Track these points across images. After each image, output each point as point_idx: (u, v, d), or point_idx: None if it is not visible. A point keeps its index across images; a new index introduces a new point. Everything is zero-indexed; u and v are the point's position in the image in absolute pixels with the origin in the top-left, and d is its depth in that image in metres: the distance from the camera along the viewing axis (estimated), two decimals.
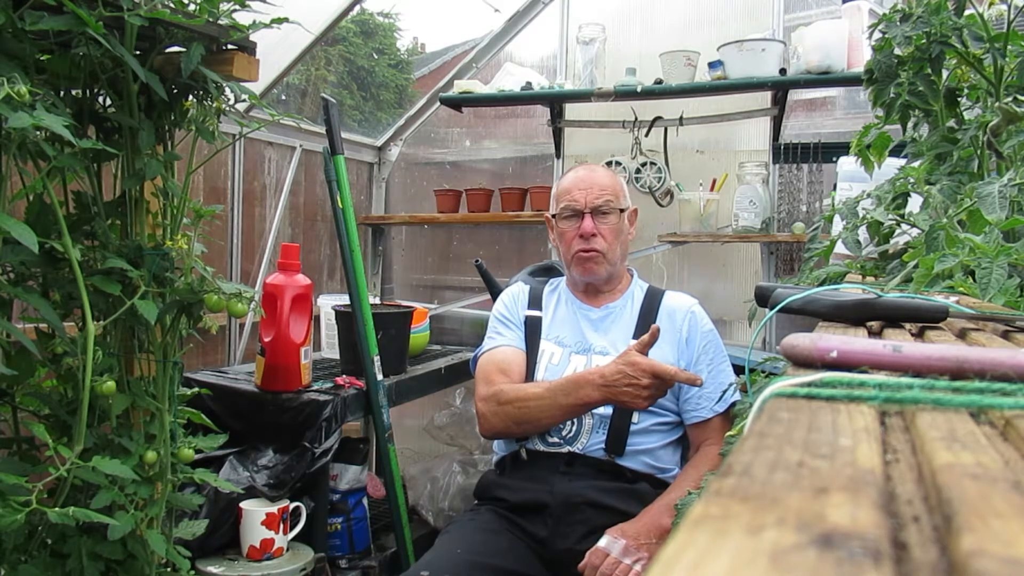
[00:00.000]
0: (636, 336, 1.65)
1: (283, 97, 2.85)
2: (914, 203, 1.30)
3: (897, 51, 1.36)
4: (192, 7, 1.14)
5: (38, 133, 0.98)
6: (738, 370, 1.74)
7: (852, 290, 0.73)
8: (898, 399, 0.35)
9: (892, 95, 1.35)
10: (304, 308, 1.85)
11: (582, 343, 1.72)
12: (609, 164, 2.64)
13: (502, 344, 1.75)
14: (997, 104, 1.13)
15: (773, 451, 0.27)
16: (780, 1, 2.52)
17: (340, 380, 1.97)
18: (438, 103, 2.90)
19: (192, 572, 1.27)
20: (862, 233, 1.28)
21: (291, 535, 1.78)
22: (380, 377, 1.99)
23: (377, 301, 2.70)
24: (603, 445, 1.60)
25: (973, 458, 0.27)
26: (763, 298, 0.77)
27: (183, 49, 1.13)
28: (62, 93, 1.15)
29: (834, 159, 2.19)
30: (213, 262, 1.80)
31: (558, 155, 2.87)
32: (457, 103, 2.77)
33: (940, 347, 0.42)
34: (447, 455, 2.85)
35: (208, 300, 1.15)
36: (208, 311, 1.19)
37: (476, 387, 1.72)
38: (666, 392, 1.54)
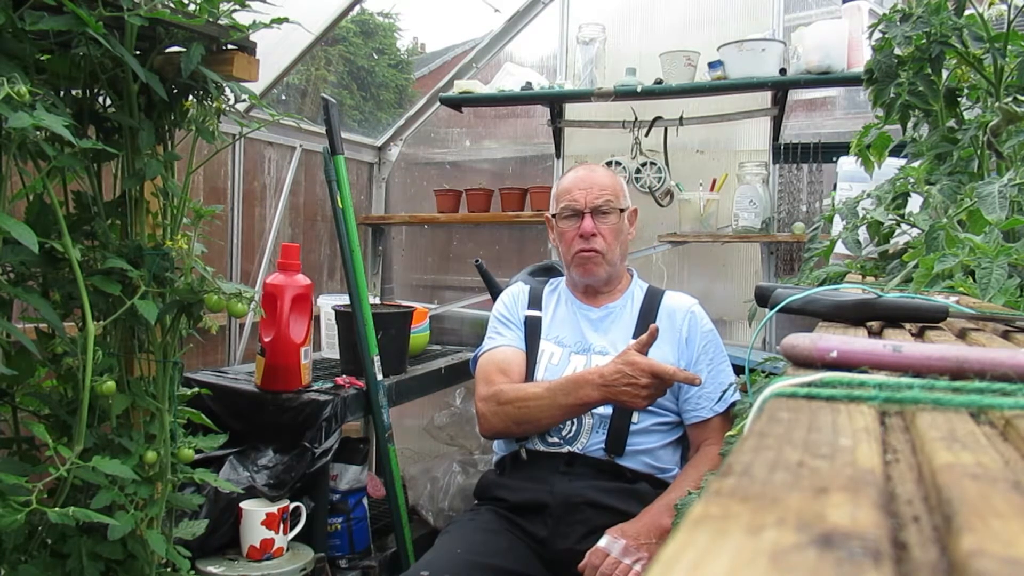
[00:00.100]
0: (636, 336, 1.65)
1: (283, 97, 2.85)
2: (914, 203, 1.30)
3: (897, 51, 1.36)
4: (192, 7, 1.14)
5: (38, 133, 0.98)
6: (738, 370, 1.74)
7: (852, 290, 0.73)
8: (898, 399, 0.35)
9: (892, 95, 1.35)
10: (304, 308, 1.85)
11: (582, 343, 1.72)
12: (609, 164, 2.64)
13: (502, 344, 1.75)
14: (997, 104, 1.13)
15: (773, 451, 0.27)
16: (780, 1, 2.52)
17: (340, 380, 1.97)
18: (438, 103, 2.90)
19: (192, 572, 1.27)
20: (862, 233, 1.28)
21: (291, 535, 1.78)
22: (380, 377, 1.99)
23: (377, 301, 2.70)
24: (603, 445, 1.60)
25: (973, 458, 0.27)
26: (763, 298, 0.77)
27: (183, 49, 1.13)
28: (62, 93, 1.15)
29: (834, 159, 2.19)
30: (213, 262, 1.80)
31: (558, 155, 2.87)
32: (457, 103, 2.77)
33: (940, 347, 0.42)
34: (447, 455, 2.85)
35: (208, 300, 1.15)
36: (208, 311, 1.19)
37: (476, 387, 1.72)
38: (665, 392, 1.54)
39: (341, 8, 2.50)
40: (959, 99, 1.37)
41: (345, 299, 2.14)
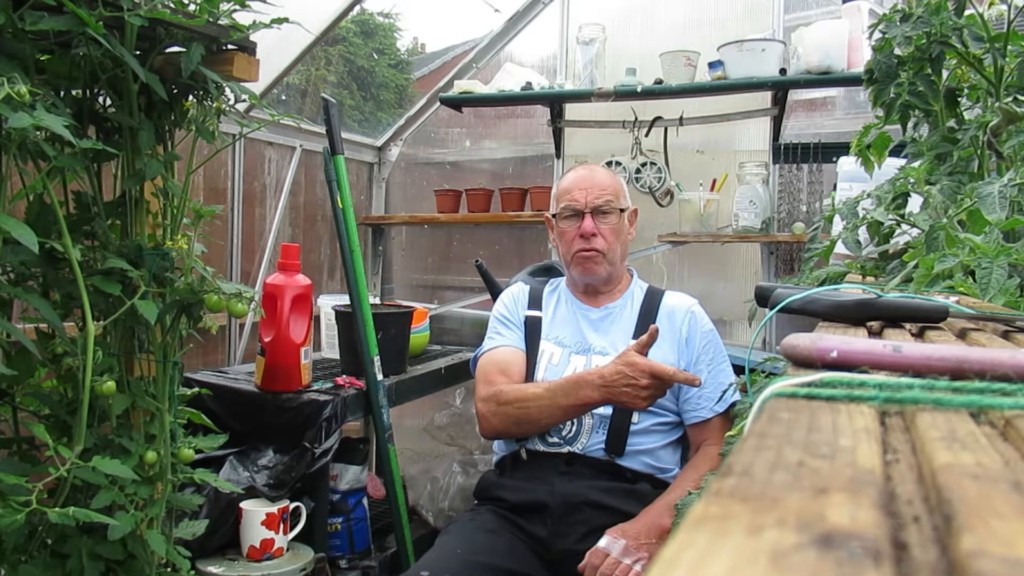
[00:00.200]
0: (636, 336, 1.65)
1: (283, 97, 2.85)
2: (914, 203, 1.30)
3: (897, 51, 1.36)
4: (192, 7, 1.14)
5: (38, 133, 0.98)
6: (738, 370, 1.74)
7: (852, 290, 0.73)
8: (898, 399, 0.35)
9: (892, 95, 1.35)
10: (304, 308, 1.85)
11: (582, 343, 1.72)
12: (609, 164, 2.64)
13: (502, 344, 1.75)
14: (997, 104, 1.13)
15: (773, 451, 0.27)
16: (780, 1, 2.52)
17: (340, 380, 1.97)
18: (438, 103, 2.90)
19: (192, 572, 1.27)
20: (862, 233, 1.28)
21: (291, 535, 1.78)
22: (380, 377, 1.99)
23: (377, 301, 2.70)
24: (603, 445, 1.60)
25: (973, 458, 0.27)
26: (763, 298, 0.77)
27: (183, 49, 1.13)
28: (62, 93, 1.15)
29: (834, 159, 2.19)
30: (213, 262, 1.80)
31: (558, 155, 2.87)
32: (457, 103, 2.77)
33: (940, 347, 0.42)
34: (447, 455, 2.85)
35: (208, 300, 1.15)
36: (208, 311, 1.19)
37: (476, 387, 1.72)
38: (665, 392, 1.54)
39: (341, 8, 2.50)
40: (959, 99, 1.37)
41: (345, 299, 2.14)
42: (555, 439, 1.64)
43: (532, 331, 1.76)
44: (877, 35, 1.37)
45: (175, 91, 1.20)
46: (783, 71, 2.34)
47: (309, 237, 2.83)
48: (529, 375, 1.70)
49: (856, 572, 0.18)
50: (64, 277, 1.12)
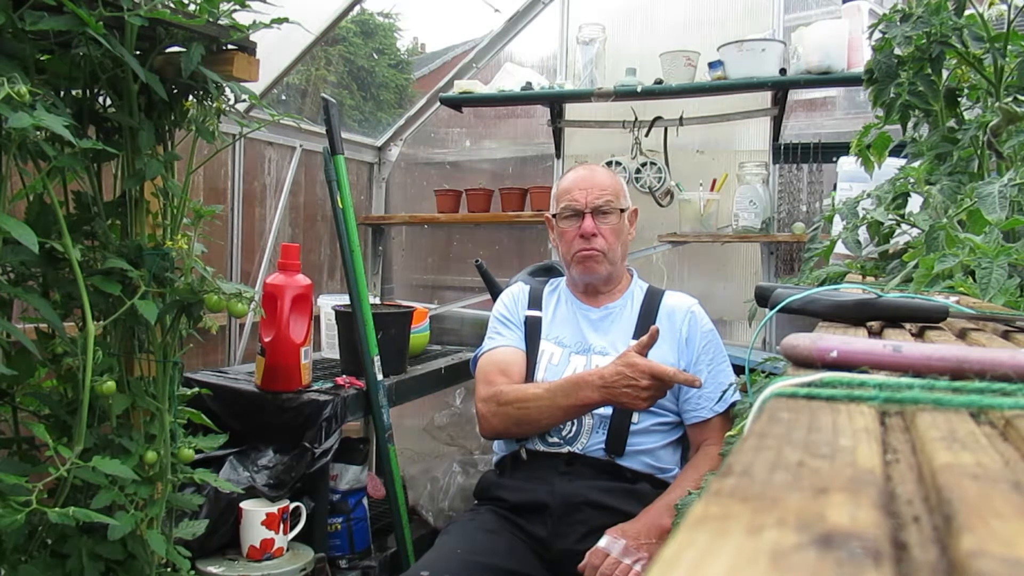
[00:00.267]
0: (636, 336, 1.65)
1: (283, 97, 2.85)
2: (914, 203, 1.30)
3: (897, 51, 1.36)
4: (192, 7, 1.14)
5: (38, 133, 0.98)
6: (738, 370, 1.74)
7: (852, 290, 0.73)
8: (898, 399, 0.35)
9: (892, 95, 1.35)
10: (304, 308, 1.85)
11: (582, 343, 1.72)
12: (609, 164, 2.64)
13: (502, 344, 1.75)
14: (997, 104, 1.13)
15: (773, 451, 0.27)
16: (780, 1, 2.52)
17: (340, 380, 1.97)
18: (438, 103, 2.90)
19: (192, 572, 1.27)
20: (862, 233, 1.28)
21: (291, 535, 1.78)
22: (380, 377, 1.99)
23: (377, 301, 2.70)
24: (603, 445, 1.60)
25: (973, 458, 0.27)
26: (763, 298, 0.77)
27: (183, 49, 1.13)
28: (62, 93, 1.15)
29: (834, 159, 2.19)
30: (213, 262, 1.80)
31: (558, 155, 2.87)
32: (457, 103, 2.77)
33: (940, 347, 0.42)
34: (447, 455, 2.85)
35: (208, 300, 1.15)
36: (208, 311, 1.19)
37: (476, 388, 1.72)
38: (665, 393, 1.54)
39: (341, 8, 2.50)
40: (959, 99, 1.37)
41: (345, 299, 2.14)
42: (555, 439, 1.64)
43: (532, 331, 1.76)
44: (877, 35, 1.37)
45: (175, 91, 1.20)
46: (783, 71, 2.34)
47: (309, 237, 2.83)
48: (529, 375, 1.70)
49: (856, 572, 0.18)
50: (64, 277, 1.12)
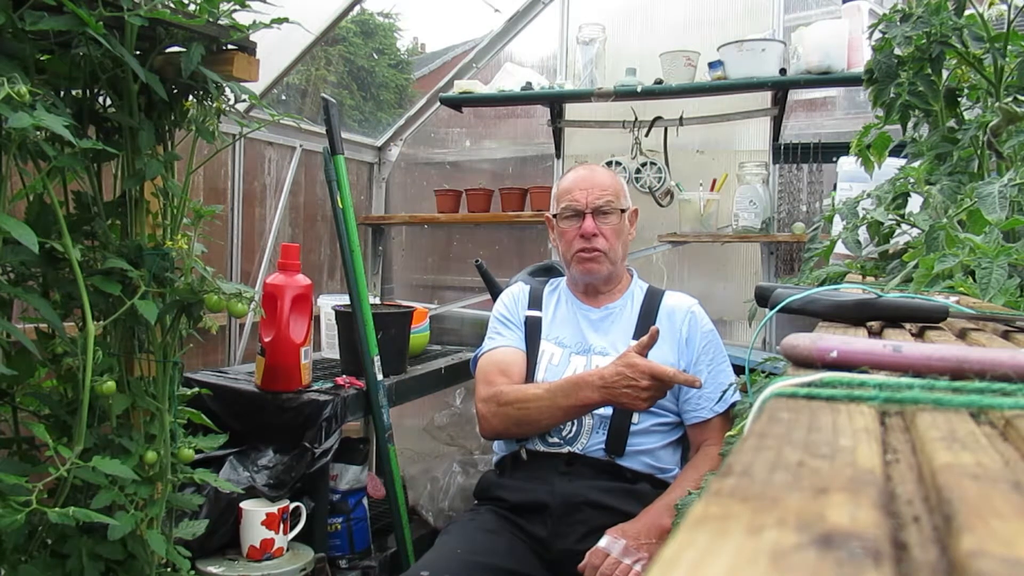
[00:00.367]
0: (636, 336, 1.65)
1: (283, 97, 2.85)
2: (914, 203, 1.30)
3: (897, 51, 1.36)
4: (192, 7, 1.14)
5: (38, 133, 0.98)
6: (738, 370, 1.74)
7: (852, 290, 0.73)
8: (898, 399, 0.35)
9: (892, 95, 1.35)
10: (304, 308, 1.85)
11: (582, 343, 1.72)
12: (609, 164, 2.64)
13: (502, 345, 1.75)
14: (997, 104, 1.13)
15: (773, 451, 0.27)
16: (780, 1, 2.52)
17: (340, 380, 1.97)
18: (438, 103, 2.90)
19: (192, 572, 1.27)
20: (862, 233, 1.28)
21: (291, 535, 1.78)
22: (380, 377, 1.99)
23: (377, 301, 2.70)
24: (603, 445, 1.60)
25: (973, 458, 0.27)
26: (763, 298, 0.77)
27: (183, 49, 1.13)
28: (62, 93, 1.15)
29: (834, 159, 2.19)
30: (213, 262, 1.80)
31: (558, 155, 2.87)
32: (457, 103, 2.77)
33: (940, 347, 0.42)
34: (447, 455, 2.85)
35: (208, 300, 1.15)
36: (208, 311, 1.19)
37: (476, 388, 1.72)
38: (665, 394, 1.53)
39: (341, 8, 2.50)
40: (959, 99, 1.37)
41: (345, 299, 2.14)
42: (555, 439, 1.63)
43: (532, 331, 1.76)
44: (877, 35, 1.37)
45: (175, 91, 1.20)
46: (783, 71, 2.34)
47: (309, 237, 2.83)
48: (529, 375, 1.70)
49: (856, 572, 0.18)
50: (64, 277, 1.12)
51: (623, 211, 1.74)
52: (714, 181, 2.58)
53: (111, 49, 1.03)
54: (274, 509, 1.72)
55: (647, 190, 2.62)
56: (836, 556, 0.18)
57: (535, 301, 1.82)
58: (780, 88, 2.40)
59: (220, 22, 1.17)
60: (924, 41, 1.29)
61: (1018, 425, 0.31)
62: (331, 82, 3.22)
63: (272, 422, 1.80)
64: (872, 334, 0.60)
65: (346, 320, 2.05)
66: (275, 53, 2.37)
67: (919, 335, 0.61)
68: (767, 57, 2.34)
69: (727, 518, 0.21)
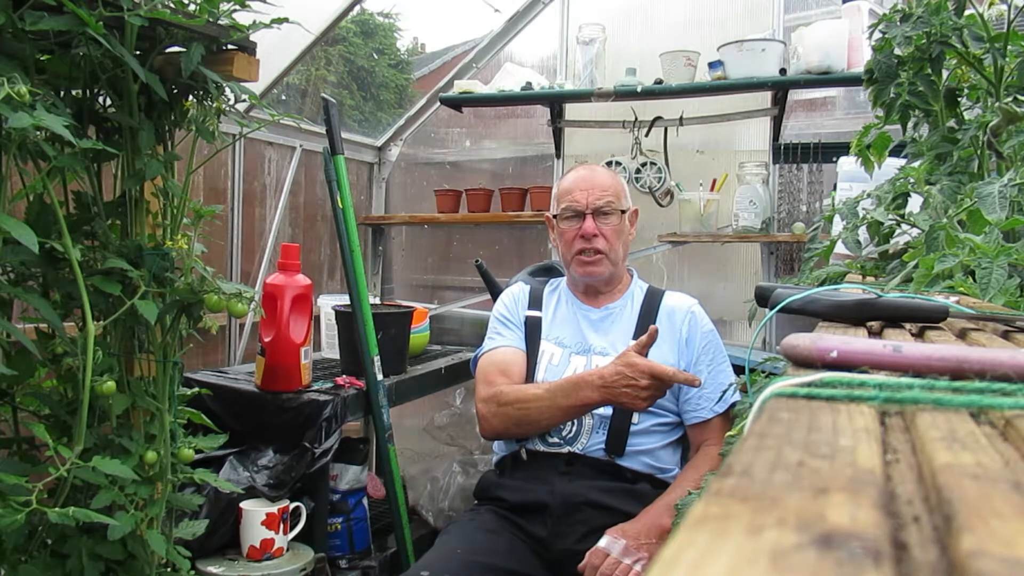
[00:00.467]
0: (636, 336, 1.65)
1: (283, 97, 2.85)
2: (914, 203, 1.30)
3: (897, 51, 1.36)
4: (192, 7, 1.14)
5: (38, 133, 0.98)
6: (738, 370, 1.74)
7: (852, 290, 0.73)
8: (898, 399, 0.35)
9: (892, 95, 1.35)
10: (304, 308, 1.85)
11: (582, 343, 1.72)
12: (609, 164, 2.64)
13: (502, 345, 1.75)
14: (997, 104, 1.13)
15: (773, 451, 0.27)
16: (780, 1, 2.52)
17: (340, 380, 1.97)
18: (438, 103, 2.90)
19: (192, 572, 1.27)
20: (862, 233, 1.28)
21: (291, 535, 1.78)
22: (380, 377, 1.99)
23: (377, 301, 2.70)
24: (603, 445, 1.60)
25: (973, 458, 0.27)
26: (763, 298, 0.77)
27: (183, 49, 1.13)
28: (62, 93, 1.15)
29: (834, 159, 2.19)
30: (213, 262, 1.80)
31: (558, 155, 2.87)
32: (457, 103, 2.77)
33: (940, 347, 0.42)
34: (447, 455, 2.85)
35: (208, 300, 1.15)
36: (208, 311, 1.19)
37: (476, 388, 1.72)
38: (665, 393, 1.54)
39: (341, 8, 2.50)
40: (959, 99, 1.37)
41: (345, 299, 2.14)
42: (555, 439, 1.64)
43: (532, 331, 1.76)
44: (877, 35, 1.37)
45: (175, 91, 1.20)
46: (783, 71, 2.34)
47: (309, 237, 2.83)
48: (529, 375, 1.70)
49: (856, 572, 0.18)
50: (64, 277, 1.12)
51: (623, 212, 1.74)
52: (714, 181, 2.58)
53: (111, 49, 1.03)
54: (274, 509, 1.72)
55: (647, 190, 2.62)
56: (836, 556, 0.18)
57: (535, 301, 1.82)
58: (780, 88, 2.40)
59: (220, 22, 1.17)
60: (924, 41, 1.29)
61: (1018, 425, 0.31)
62: (331, 82, 3.22)
63: (272, 422, 1.80)
64: (872, 334, 0.60)
65: (346, 320, 2.05)
66: (275, 53, 2.37)
67: (919, 335, 0.61)
68: (767, 57, 2.34)
69: (727, 518, 0.21)
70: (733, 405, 1.57)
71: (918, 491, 0.25)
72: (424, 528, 2.46)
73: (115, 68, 1.11)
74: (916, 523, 0.22)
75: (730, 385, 1.61)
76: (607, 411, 1.60)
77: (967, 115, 1.36)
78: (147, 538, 1.14)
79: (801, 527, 0.20)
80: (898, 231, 1.27)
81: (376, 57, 3.84)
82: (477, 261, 2.35)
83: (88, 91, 1.17)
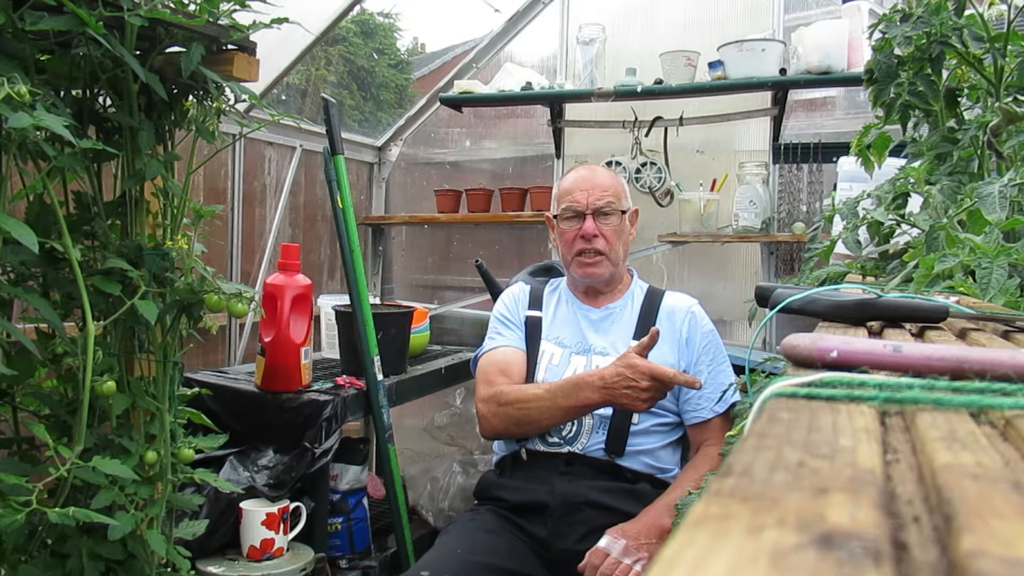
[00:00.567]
0: (636, 336, 1.65)
1: (283, 97, 2.85)
2: (914, 203, 1.30)
3: (897, 51, 1.36)
4: (192, 7, 1.14)
5: (38, 133, 0.98)
6: (738, 370, 1.74)
7: (852, 290, 0.73)
8: (898, 399, 0.35)
9: (892, 95, 1.35)
10: (304, 308, 1.85)
11: (582, 344, 1.72)
12: (609, 164, 2.64)
13: (502, 345, 1.75)
14: (997, 104, 1.13)
15: (773, 451, 0.27)
16: (780, 1, 2.52)
17: (340, 380, 1.97)
18: (438, 103, 2.90)
19: (192, 572, 1.27)
20: (862, 233, 1.28)
21: (291, 535, 1.78)
22: (380, 377, 1.99)
23: (377, 301, 2.70)
24: (603, 445, 1.60)
25: (973, 458, 0.27)
26: (763, 298, 0.77)
27: (183, 49, 1.13)
28: (62, 93, 1.15)
29: (834, 159, 2.19)
30: (213, 262, 1.80)
31: (558, 155, 2.87)
32: (457, 103, 2.77)
33: (940, 347, 0.42)
34: (447, 455, 2.85)
35: (208, 300, 1.15)
36: (208, 311, 1.19)
37: (476, 388, 1.72)
38: (666, 394, 1.53)
39: (341, 8, 2.50)
40: (959, 99, 1.37)
41: (345, 299, 2.14)
42: (555, 439, 1.64)
43: (532, 331, 1.76)
44: (877, 35, 1.37)
45: (175, 91, 1.20)
46: (783, 71, 2.34)
47: (309, 237, 2.83)
48: (529, 375, 1.70)
49: (856, 572, 0.18)
50: (64, 277, 1.12)
51: (624, 212, 1.74)
52: (714, 181, 2.58)
53: (111, 49, 1.03)
54: (274, 509, 1.72)
55: (647, 190, 2.62)
56: (836, 556, 0.18)
57: (535, 301, 1.82)
58: (780, 88, 2.40)
59: (220, 22, 1.17)
60: (924, 41, 1.29)
61: (1018, 425, 0.31)
62: (331, 82, 3.22)
63: (272, 422, 1.80)
64: (872, 334, 0.60)
65: (346, 320, 2.05)
66: (275, 53, 2.37)
67: (919, 335, 0.61)
68: (767, 57, 2.34)
69: (727, 518, 0.21)
70: (733, 405, 1.57)
71: (918, 491, 0.25)
72: (424, 528, 2.46)
73: (115, 68, 1.11)
74: (916, 523, 0.22)
75: (730, 385, 1.61)
76: (607, 411, 1.60)
77: (967, 115, 1.36)
78: (147, 538, 1.14)
79: (801, 527, 0.20)
80: (898, 231, 1.27)
81: (376, 57, 3.84)
82: (477, 261, 2.35)
83: (88, 91, 1.17)
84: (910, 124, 1.44)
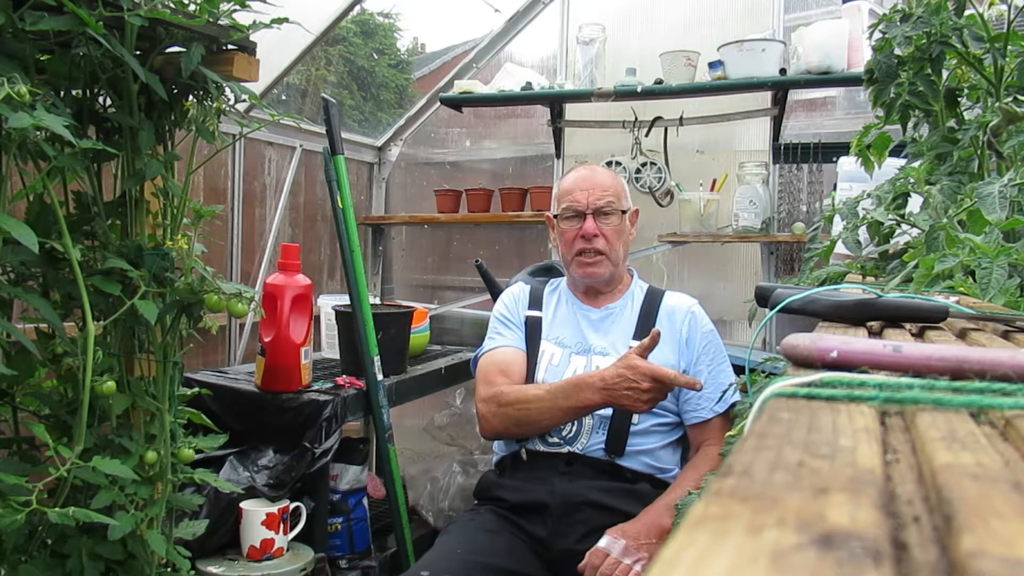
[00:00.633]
0: (636, 336, 1.65)
1: (283, 97, 2.85)
2: (914, 203, 1.30)
3: (897, 51, 1.36)
4: (192, 7, 1.14)
5: (38, 133, 0.98)
6: (738, 370, 1.74)
7: (852, 290, 0.73)
8: (898, 399, 0.35)
9: (892, 95, 1.35)
10: (304, 308, 1.85)
11: (582, 344, 1.72)
12: (609, 164, 2.64)
13: (502, 345, 1.75)
14: (997, 104, 1.13)
15: (773, 451, 0.27)
16: (780, 1, 2.52)
17: (340, 380, 1.97)
18: (438, 103, 2.90)
19: (192, 572, 1.27)
20: (862, 233, 1.28)
21: (291, 535, 1.78)
22: (380, 377, 1.99)
23: (377, 301, 2.70)
24: (603, 445, 1.60)
25: (973, 458, 0.27)
26: (763, 298, 0.77)
27: (183, 49, 1.13)
28: (62, 93, 1.15)
29: (834, 159, 2.19)
30: (213, 262, 1.80)
31: (558, 155, 2.87)
32: (457, 103, 2.77)
33: (940, 347, 0.42)
34: (447, 455, 2.85)
35: (208, 300, 1.15)
36: (208, 311, 1.19)
37: (476, 388, 1.72)
38: (666, 395, 1.53)
39: (341, 8, 2.50)
40: (959, 99, 1.37)
41: (345, 299, 2.14)
42: (555, 439, 1.63)
43: (532, 331, 1.76)
44: (877, 35, 1.37)
45: (175, 91, 1.20)
46: (783, 71, 2.34)
47: (309, 237, 2.83)
48: (529, 375, 1.70)
49: (856, 572, 0.18)
50: (64, 277, 1.12)
51: (624, 212, 1.74)
52: (714, 181, 2.58)
53: (111, 49, 1.03)
54: (274, 509, 1.72)
55: (647, 190, 2.62)
56: (836, 556, 0.18)
57: (535, 301, 1.82)
58: (780, 88, 2.40)
59: (220, 22, 1.17)
60: (924, 41, 1.29)
61: (1018, 425, 0.31)
62: (331, 82, 3.22)
63: (272, 422, 1.80)
64: (872, 334, 0.60)
65: (346, 320, 2.05)
66: (275, 53, 2.37)
67: (919, 335, 0.61)
68: (767, 57, 2.34)
69: (727, 518, 0.21)
70: (733, 405, 1.57)
71: (918, 491, 0.25)
72: (424, 528, 2.46)
73: (115, 68, 1.11)
74: (916, 523, 0.22)
75: (730, 385, 1.61)
76: (607, 411, 1.60)
77: (967, 115, 1.36)
78: (147, 538, 1.14)
79: (801, 527, 0.20)
80: (898, 231, 1.27)
81: (376, 57, 3.84)
82: (477, 261, 2.35)
83: (88, 91, 1.17)
84: (910, 124, 1.44)
